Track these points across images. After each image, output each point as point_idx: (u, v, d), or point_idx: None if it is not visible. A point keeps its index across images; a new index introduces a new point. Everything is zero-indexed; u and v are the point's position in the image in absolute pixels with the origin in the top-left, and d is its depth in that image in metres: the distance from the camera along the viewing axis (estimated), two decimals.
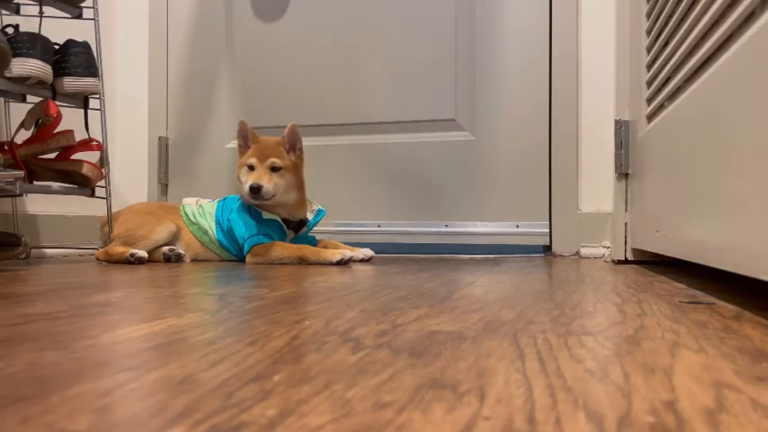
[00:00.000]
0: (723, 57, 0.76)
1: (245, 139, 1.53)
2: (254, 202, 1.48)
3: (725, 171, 0.73)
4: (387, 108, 1.89)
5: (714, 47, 0.80)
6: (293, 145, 1.53)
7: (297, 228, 1.55)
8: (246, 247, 1.46)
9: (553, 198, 1.73)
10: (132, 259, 1.40)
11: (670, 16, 1.06)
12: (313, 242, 1.58)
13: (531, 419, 0.29)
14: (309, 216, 1.58)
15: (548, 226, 1.74)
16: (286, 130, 1.52)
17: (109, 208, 1.55)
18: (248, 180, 1.46)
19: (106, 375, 0.37)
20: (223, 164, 2.03)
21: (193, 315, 0.61)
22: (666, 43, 1.09)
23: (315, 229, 1.61)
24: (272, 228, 1.49)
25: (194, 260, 1.54)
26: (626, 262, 1.44)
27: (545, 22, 1.74)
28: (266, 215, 1.49)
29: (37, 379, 0.36)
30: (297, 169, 1.53)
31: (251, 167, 1.48)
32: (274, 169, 1.48)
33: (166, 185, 2.10)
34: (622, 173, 1.46)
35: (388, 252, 1.79)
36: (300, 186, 1.54)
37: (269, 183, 1.45)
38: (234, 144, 1.99)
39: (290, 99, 1.97)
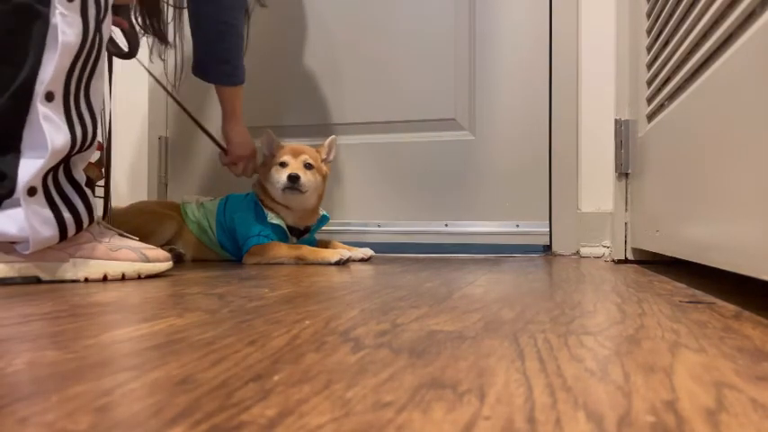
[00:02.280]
0: (723, 56, 0.76)
1: (270, 147, 1.56)
2: (285, 199, 1.48)
3: (725, 171, 0.73)
4: (386, 108, 1.89)
5: (714, 46, 0.80)
6: (327, 155, 1.59)
7: (299, 234, 1.55)
8: (246, 247, 1.46)
9: (553, 198, 1.73)
10: None
11: (670, 16, 1.06)
12: (313, 242, 1.58)
13: (531, 419, 0.29)
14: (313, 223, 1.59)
15: (548, 225, 1.73)
16: (326, 141, 1.59)
17: (109, 208, 1.54)
18: (284, 172, 1.47)
19: (106, 375, 0.37)
20: None
21: (193, 315, 0.61)
22: (666, 43, 1.09)
23: None
24: (275, 231, 1.49)
25: (194, 259, 1.54)
26: (626, 261, 1.44)
27: (545, 21, 1.74)
28: (272, 218, 1.49)
29: (37, 378, 0.36)
30: (324, 177, 1.57)
31: (283, 164, 1.50)
32: (307, 166, 1.50)
33: (166, 185, 2.10)
34: (622, 172, 1.46)
35: (388, 252, 1.79)
36: (321, 196, 1.57)
37: (305, 176, 1.47)
38: None
39: (289, 99, 1.97)
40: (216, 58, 1.50)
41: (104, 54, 0.99)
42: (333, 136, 1.60)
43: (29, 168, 0.90)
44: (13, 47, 0.90)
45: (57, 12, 0.90)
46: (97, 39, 0.96)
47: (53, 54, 0.90)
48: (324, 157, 1.57)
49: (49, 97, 0.91)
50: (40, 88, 0.90)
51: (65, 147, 0.93)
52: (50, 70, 0.90)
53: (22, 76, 0.90)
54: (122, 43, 1.32)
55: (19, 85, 0.89)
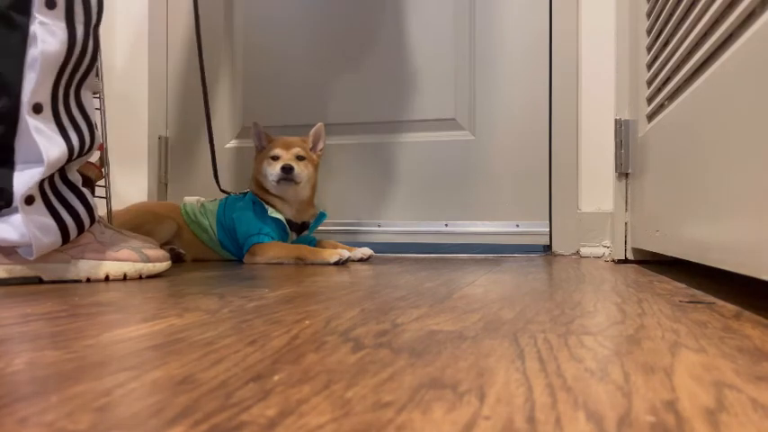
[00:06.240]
0: (723, 56, 0.76)
1: (259, 139, 1.60)
2: (280, 190, 1.51)
3: (725, 170, 0.73)
4: (386, 108, 1.89)
5: (714, 46, 0.80)
6: (315, 144, 1.61)
7: (299, 230, 1.56)
8: (246, 246, 1.46)
9: (553, 197, 1.73)
10: None
11: (670, 16, 1.06)
12: (312, 242, 1.59)
13: (531, 419, 0.29)
14: (311, 219, 1.60)
15: (548, 225, 1.73)
16: (313, 130, 1.61)
17: (109, 208, 1.54)
18: (277, 164, 1.50)
19: (106, 375, 0.37)
20: (223, 163, 2.03)
21: (193, 315, 0.61)
22: (666, 43, 1.09)
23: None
24: (275, 227, 1.50)
25: (195, 259, 1.54)
26: (626, 261, 1.44)
27: (545, 21, 1.74)
28: (272, 213, 1.49)
29: (36, 378, 0.36)
30: (315, 167, 1.60)
31: (275, 158, 1.53)
32: (299, 158, 1.54)
33: (166, 185, 2.10)
34: (622, 172, 1.46)
35: (388, 252, 1.79)
36: (314, 186, 1.60)
37: (298, 167, 1.51)
38: (234, 144, 2.01)
39: (289, 99, 1.97)
40: None
41: (98, 58, 0.96)
42: (319, 123, 1.62)
43: (24, 179, 0.88)
44: None
45: (36, 21, 0.86)
46: (90, 44, 0.92)
47: (35, 65, 0.86)
48: (311, 146, 1.60)
49: (37, 109, 0.88)
50: (26, 99, 0.87)
51: (61, 157, 0.90)
52: (33, 81, 0.86)
53: (5, 88, 0.87)
54: None
55: (4, 98, 0.87)
